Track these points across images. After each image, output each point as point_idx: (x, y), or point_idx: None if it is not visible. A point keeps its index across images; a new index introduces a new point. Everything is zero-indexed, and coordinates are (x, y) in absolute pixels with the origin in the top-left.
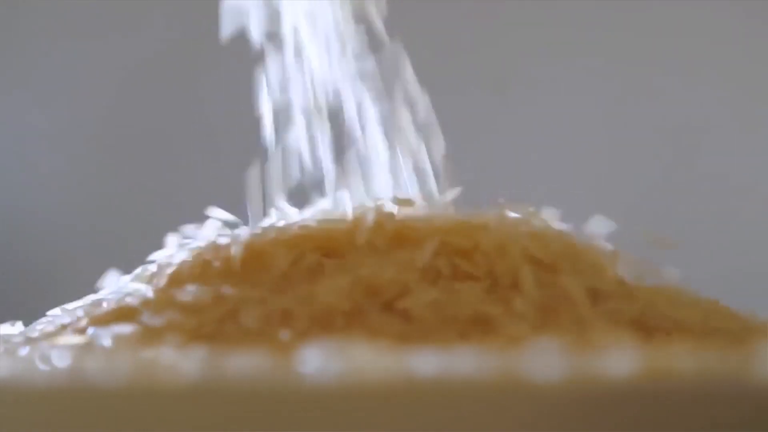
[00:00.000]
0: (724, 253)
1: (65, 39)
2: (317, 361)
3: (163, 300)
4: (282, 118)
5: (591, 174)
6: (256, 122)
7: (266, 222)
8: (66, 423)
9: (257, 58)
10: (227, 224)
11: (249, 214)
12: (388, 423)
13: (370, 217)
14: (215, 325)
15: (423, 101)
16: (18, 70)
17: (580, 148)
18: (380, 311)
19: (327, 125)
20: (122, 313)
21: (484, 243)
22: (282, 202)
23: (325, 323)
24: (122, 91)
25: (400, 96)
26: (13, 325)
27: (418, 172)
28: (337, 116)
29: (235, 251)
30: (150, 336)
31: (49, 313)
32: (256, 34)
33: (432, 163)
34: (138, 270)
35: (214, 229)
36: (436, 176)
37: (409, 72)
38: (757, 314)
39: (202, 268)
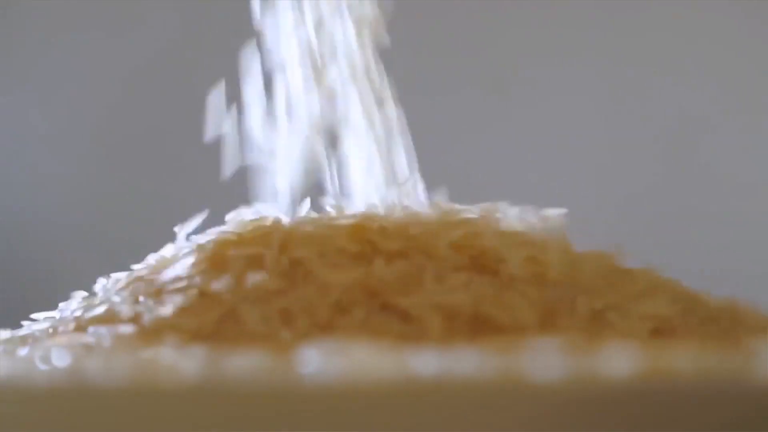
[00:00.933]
0: (724, 252)
1: (65, 39)
2: (317, 361)
3: (162, 300)
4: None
5: (591, 174)
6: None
7: (267, 222)
8: (66, 423)
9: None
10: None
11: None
12: (388, 423)
13: (371, 218)
14: (215, 325)
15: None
16: (18, 70)
17: (580, 148)
18: (380, 311)
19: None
20: (122, 313)
21: (485, 243)
22: (282, 202)
23: (325, 323)
24: (122, 91)
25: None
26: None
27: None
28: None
29: (236, 251)
30: (150, 336)
31: (48, 313)
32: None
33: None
34: (137, 269)
35: (213, 228)
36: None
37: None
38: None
39: (202, 267)
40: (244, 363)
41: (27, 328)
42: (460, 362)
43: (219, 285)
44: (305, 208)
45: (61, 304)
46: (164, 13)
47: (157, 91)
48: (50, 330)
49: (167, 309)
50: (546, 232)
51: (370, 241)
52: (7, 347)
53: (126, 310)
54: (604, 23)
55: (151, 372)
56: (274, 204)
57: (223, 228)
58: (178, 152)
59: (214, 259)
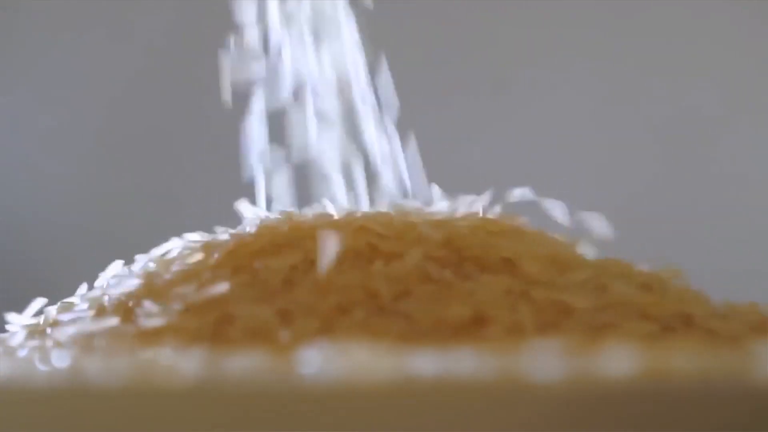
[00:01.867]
0: (724, 252)
1: (65, 39)
2: (317, 361)
3: (162, 300)
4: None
5: (590, 174)
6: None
7: (267, 222)
8: (66, 423)
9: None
10: (226, 224)
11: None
12: (388, 423)
13: (371, 219)
14: (215, 326)
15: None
16: (18, 70)
17: (580, 147)
18: (380, 312)
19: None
20: (121, 312)
21: (485, 245)
22: (282, 202)
23: (325, 324)
24: (123, 91)
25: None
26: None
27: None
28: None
29: (236, 251)
30: (149, 336)
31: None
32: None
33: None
34: (137, 269)
35: (214, 228)
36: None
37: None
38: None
39: (202, 267)
40: (244, 363)
41: (26, 328)
42: (459, 363)
43: (219, 285)
44: (306, 210)
45: (52, 306)
46: (164, 13)
47: (157, 91)
48: (49, 330)
49: (167, 309)
50: (546, 232)
51: (369, 242)
52: (6, 347)
53: (124, 310)
54: (604, 23)
55: (150, 373)
56: (274, 205)
57: (223, 229)
58: (178, 152)
59: (214, 260)
